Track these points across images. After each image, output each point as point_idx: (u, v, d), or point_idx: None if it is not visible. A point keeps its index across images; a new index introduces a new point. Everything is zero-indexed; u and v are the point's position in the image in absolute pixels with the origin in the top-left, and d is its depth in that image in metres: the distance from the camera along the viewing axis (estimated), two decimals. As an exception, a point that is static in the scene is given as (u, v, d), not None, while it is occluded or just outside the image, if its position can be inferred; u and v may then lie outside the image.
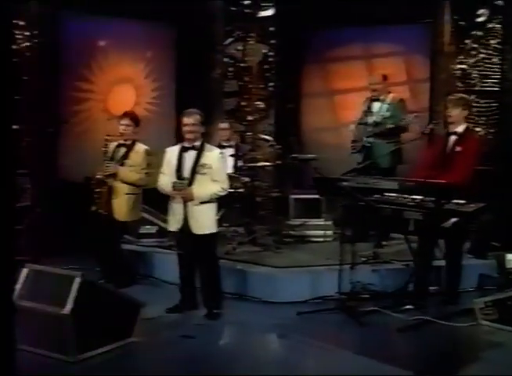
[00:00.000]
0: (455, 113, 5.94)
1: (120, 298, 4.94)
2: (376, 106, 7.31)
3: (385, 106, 7.23)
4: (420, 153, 6.80)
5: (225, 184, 5.69)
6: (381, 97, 7.28)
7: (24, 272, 4.69)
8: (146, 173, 6.48)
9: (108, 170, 6.35)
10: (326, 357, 4.90)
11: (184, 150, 5.64)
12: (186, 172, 5.57)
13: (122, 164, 6.44)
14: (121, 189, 6.41)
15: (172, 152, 5.71)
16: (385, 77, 7.35)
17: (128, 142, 6.53)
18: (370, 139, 7.22)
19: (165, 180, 5.65)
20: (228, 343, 5.37)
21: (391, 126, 7.06)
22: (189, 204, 5.54)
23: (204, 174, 5.54)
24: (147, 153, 6.52)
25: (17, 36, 7.87)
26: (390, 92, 7.34)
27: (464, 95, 6.49)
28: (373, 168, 6.83)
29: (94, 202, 6.40)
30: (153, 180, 6.41)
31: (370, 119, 7.28)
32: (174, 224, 5.69)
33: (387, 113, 7.16)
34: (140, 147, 6.53)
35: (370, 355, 4.82)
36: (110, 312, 4.71)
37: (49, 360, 4.51)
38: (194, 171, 5.55)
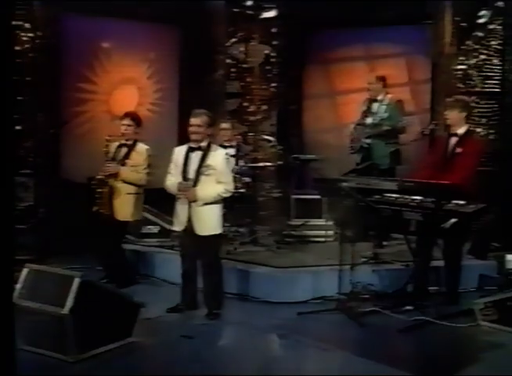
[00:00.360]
0: (452, 115, 5.95)
1: (120, 297, 4.96)
2: (374, 107, 7.33)
3: (383, 107, 7.26)
4: (421, 155, 6.81)
5: (230, 186, 5.70)
6: (379, 98, 7.30)
7: (24, 272, 4.71)
8: (147, 173, 6.51)
9: (109, 170, 6.38)
10: (325, 358, 4.90)
11: (190, 150, 5.65)
12: (191, 173, 5.58)
13: (123, 164, 6.46)
14: (123, 189, 6.44)
15: (179, 152, 5.72)
16: (382, 79, 7.36)
17: (130, 142, 6.55)
18: (368, 140, 7.24)
19: (171, 180, 5.68)
20: (229, 343, 5.37)
21: (388, 128, 7.09)
22: (193, 204, 5.55)
23: (209, 175, 5.55)
24: (148, 153, 6.55)
25: (21, 38, 7.91)
26: (387, 93, 7.36)
27: (462, 97, 6.49)
28: (373, 169, 6.85)
29: (96, 202, 6.42)
30: (154, 180, 6.47)
31: (368, 120, 7.31)
32: (178, 224, 5.70)
33: (385, 115, 7.18)
34: (141, 147, 6.55)
35: (370, 355, 4.82)
36: (110, 311, 4.72)
37: (49, 360, 4.53)
38: (198, 172, 5.57)
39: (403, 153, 7.22)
